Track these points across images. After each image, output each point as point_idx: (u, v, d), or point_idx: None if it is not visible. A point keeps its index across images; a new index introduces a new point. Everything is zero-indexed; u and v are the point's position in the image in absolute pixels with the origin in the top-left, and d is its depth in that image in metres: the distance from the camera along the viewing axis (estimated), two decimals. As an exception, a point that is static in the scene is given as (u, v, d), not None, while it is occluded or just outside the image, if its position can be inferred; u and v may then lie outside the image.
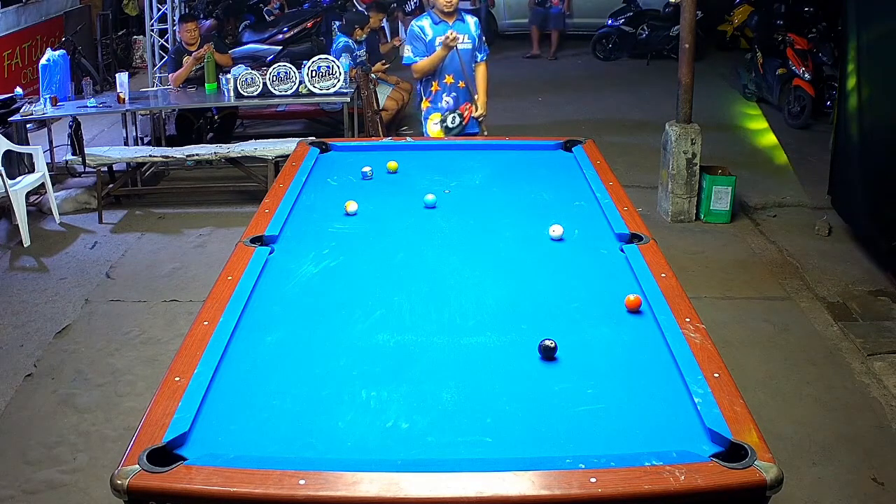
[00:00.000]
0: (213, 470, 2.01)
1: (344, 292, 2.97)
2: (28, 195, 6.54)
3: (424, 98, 5.84)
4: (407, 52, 5.71)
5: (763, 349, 4.76)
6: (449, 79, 5.68)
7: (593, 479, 1.97)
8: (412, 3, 12.91)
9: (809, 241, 6.21)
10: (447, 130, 5.67)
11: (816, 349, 4.78)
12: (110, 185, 7.06)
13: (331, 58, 7.44)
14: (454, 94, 5.71)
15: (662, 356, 2.53)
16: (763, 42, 9.98)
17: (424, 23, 5.69)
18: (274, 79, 7.28)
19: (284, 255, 3.23)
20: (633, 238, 3.29)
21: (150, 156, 7.17)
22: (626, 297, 2.81)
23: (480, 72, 5.81)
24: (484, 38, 5.95)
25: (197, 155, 7.09)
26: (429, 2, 5.60)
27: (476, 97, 5.75)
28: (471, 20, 5.76)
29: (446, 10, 5.59)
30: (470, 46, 5.68)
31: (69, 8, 10.88)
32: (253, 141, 7.48)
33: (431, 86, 5.75)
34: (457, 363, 2.52)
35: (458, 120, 5.67)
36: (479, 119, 5.76)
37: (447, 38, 5.49)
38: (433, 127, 5.70)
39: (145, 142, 8.23)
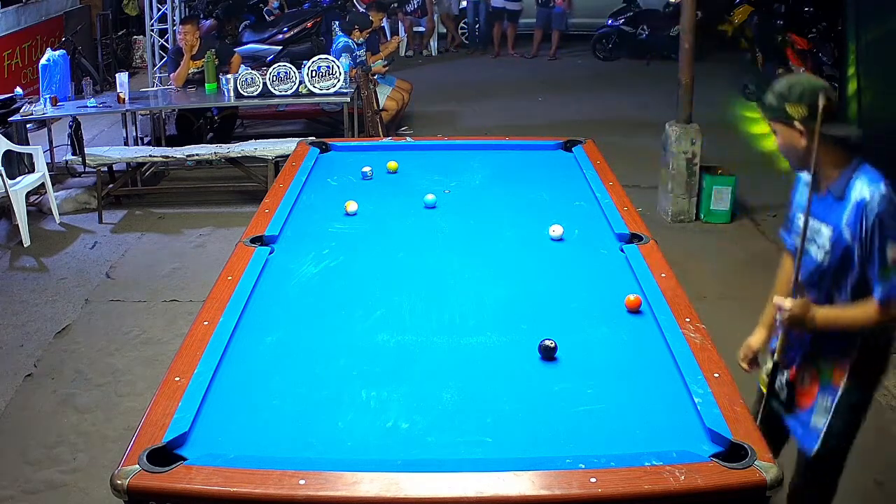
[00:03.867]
0: (213, 470, 2.01)
1: (344, 292, 2.97)
2: (28, 195, 6.53)
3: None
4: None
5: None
6: None
7: (593, 479, 1.97)
8: (414, 3, 12.93)
9: (809, 241, 6.20)
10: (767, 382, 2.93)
11: (816, 349, 4.77)
12: (110, 185, 7.05)
13: (331, 58, 7.44)
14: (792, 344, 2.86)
15: (662, 356, 2.53)
16: (763, 42, 9.97)
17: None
18: (274, 79, 7.28)
19: (284, 255, 3.23)
20: (633, 238, 3.29)
21: (150, 156, 7.17)
22: (626, 297, 2.81)
23: (862, 313, 2.57)
24: (883, 253, 2.50)
25: (197, 155, 7.08)
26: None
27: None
28: (855, 194, 2.67)
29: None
30: (827, 253, 2.68)
31: (69, 8, 10.88)
32: (253, 141, 7.48)
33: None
34: (457, 363, 2.52)
35: (784, 390, 2.86)
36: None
37: None
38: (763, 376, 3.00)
39: (145, 142, 8.23)
